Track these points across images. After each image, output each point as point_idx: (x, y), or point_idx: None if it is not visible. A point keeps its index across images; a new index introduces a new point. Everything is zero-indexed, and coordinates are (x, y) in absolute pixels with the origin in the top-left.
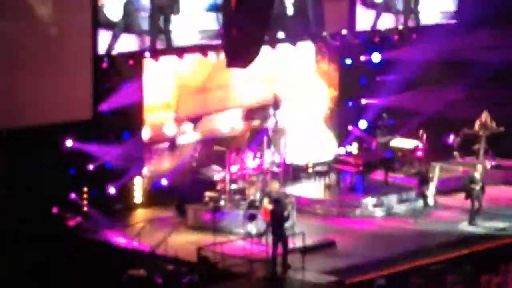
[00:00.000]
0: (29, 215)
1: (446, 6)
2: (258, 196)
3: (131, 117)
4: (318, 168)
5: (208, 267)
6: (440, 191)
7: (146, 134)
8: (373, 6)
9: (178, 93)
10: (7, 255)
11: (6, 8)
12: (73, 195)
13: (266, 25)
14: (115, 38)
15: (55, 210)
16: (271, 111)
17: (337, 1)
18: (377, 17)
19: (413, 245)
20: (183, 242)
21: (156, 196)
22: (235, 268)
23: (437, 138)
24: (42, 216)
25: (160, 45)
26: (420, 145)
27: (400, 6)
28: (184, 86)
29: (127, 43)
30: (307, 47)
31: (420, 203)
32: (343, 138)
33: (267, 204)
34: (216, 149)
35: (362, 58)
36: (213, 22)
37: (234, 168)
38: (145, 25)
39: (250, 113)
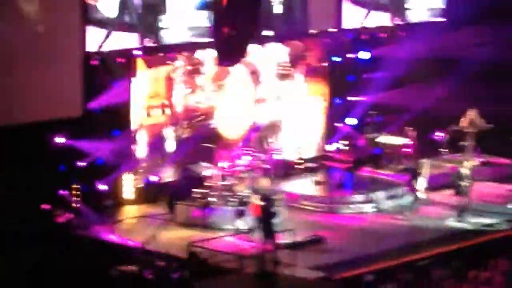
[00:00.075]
0: (18, 212)
1: (434, 3)
2: (247, 192)
3: (121, 115)
4: (308, 165)
5: (198, 263)
6: (428, 188)
7: (138, 131)
8: (362, 3)
9: (170, 90)
10: None
11: None
12: (63, 192)
13: (255, 23)
14: (107, 35)
15: (45, 207)
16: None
17: None
18: (366, 14)
19: (401, 241)
20: (173, 238)
21: (148, 192)
22: (225, 264)
23: (425, 135)
24: (32, 214)
25: (150, 42)
26: (409, 142)
27: (388, 3)
28: (176, 83)
29: (118, 41)
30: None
31: (408, 198)
32: (331, 135)
33: (256, 200)
34: (205, 145)
35: (350, 55)
36: (204, 20)
37: (224, 165)
38: (136, 22)
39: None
